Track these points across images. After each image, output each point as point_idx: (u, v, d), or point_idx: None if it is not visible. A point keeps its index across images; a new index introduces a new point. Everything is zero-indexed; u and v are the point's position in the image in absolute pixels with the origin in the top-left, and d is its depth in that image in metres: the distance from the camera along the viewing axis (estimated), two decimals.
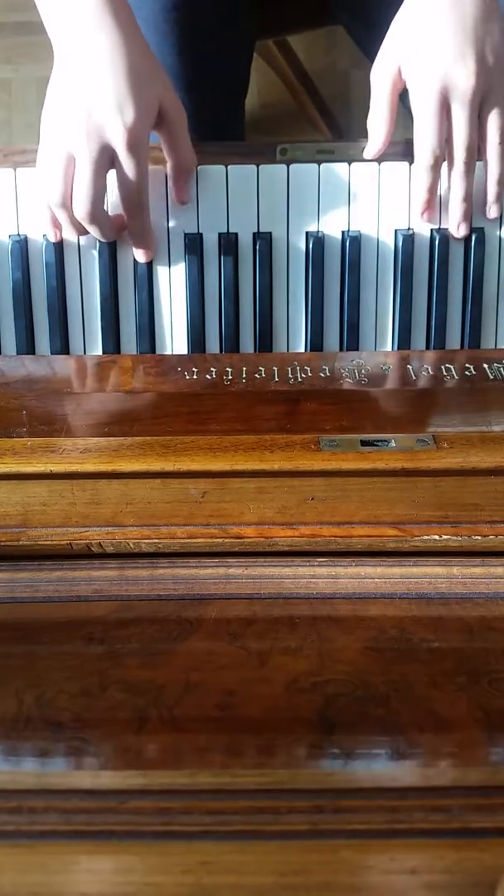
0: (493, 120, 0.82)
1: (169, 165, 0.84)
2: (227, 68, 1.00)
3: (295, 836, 0.44)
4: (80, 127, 0.77)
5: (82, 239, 0.86)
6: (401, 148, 0.85)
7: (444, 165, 0.84)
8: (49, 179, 0.80)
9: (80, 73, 0.78)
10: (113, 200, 0.84)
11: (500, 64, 0.81)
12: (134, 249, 0.85)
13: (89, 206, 0.80)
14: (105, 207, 0.82)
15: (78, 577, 0.62)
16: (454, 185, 0.84)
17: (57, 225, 0.84)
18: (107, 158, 0.79)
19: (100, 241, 0.84)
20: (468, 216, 0.85)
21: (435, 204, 0.85)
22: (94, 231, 0.82)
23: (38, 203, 0.84)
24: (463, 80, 0.80)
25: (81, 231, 0.83)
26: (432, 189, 0.84)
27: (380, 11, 0.82)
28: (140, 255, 0.85)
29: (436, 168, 0.83)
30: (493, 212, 0.85)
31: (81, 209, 0.80)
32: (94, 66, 0.77)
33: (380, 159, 0.85)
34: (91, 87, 0.77)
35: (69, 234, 0.84)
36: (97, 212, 0.81)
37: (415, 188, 0.85)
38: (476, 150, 0.83)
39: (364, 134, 0.86)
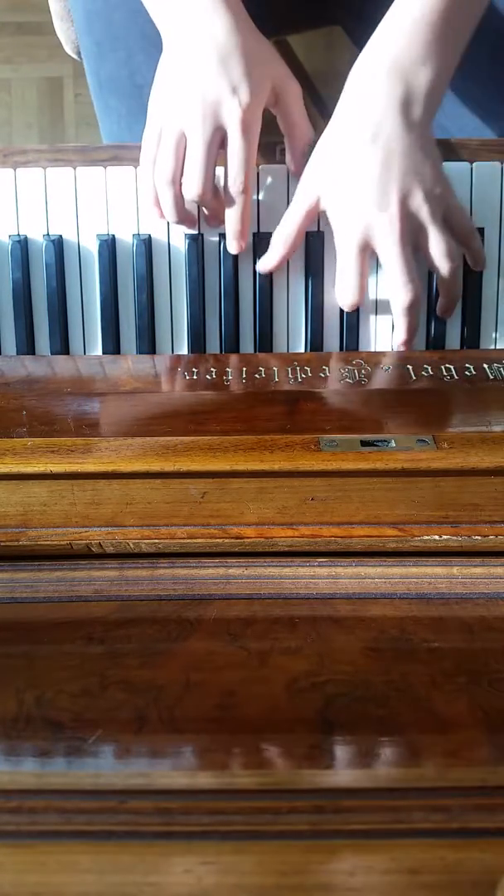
0: (433, 251, 0.80)
1: (287, 138, 0.84)
2: None
3: (295, 836, 0.44)
4: (195, 106, 0.78)
5: (82, 239, 0.86)
6: None
7: None
8: (160, 156, 0.81)
9: (194, 55, 0.79)
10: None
11: (431, 198, 0.79)
12: (228, 240, 0.84)
13: (201, 185, 0.80)
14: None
15: (78, 577, 0.62)
16: (396, 318, 0.82)
17: (158, 205, 0.84)
18: (219, 139, 0.80)
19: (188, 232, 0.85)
20: (412, 338, 0.83)
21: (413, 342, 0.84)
22: (208, 212, 0.83)
23: (143, 183, 0.84)
24: (386, 226, 0.78)
25: (181, 214, 0.83)
26: (413, 330, 0.82)
27: (378, 11, 0.82)
28: (234, 246, 0.84)
29: (414, 307, 0.81)
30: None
31: (193, 188, 0.80)
32: (209, 48, 0.78)
33: None
34: (206, 68, 0.78)
35: (170, 217, 0.84)
36: (207, 192, 0.81)
37: (397, 333, 0.83)
38: (416, 276, 0.81)
39: None
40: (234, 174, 0.81)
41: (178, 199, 0.82)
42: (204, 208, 0.84)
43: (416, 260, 0.81)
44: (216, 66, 0.78)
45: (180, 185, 0.81)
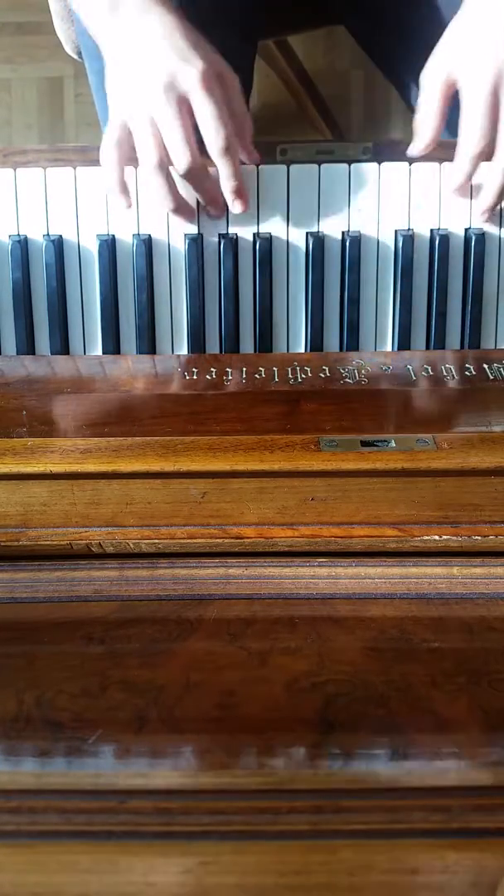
0: None
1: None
2: (231, 67, 1.00)
3: (295, 836, 0.44)
4: (153, 87, 0.78)
5: (82, 239, 0.86)
6: (401, 148, 0.85)
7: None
8: (140, 147, 0.81)
9: (139, 49, 0.79)
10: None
11: None
12: (229, 201, 0.84)
13: (188, 154, 0.80)
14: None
15: (78, 577, 0.62)
16: (492, 176, 0.83)
17: (124, 195, 0.84)
18: (187, 109, 0.79)
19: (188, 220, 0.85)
20: (494, 208, 0.84)
21: (467, 192, 0.85)
22: (195, 188, 0.82)
23: (107, 183, 0.83)
24: None
25: (177, 200, 0.83)
26: (469, 178, 0.83)
27: (381, 7, 0.82)
28: (236, 206, 0.84)
29: (479, 158, 0.82)
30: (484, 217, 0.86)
31: (183, 161, 0.80)
32: (152, 39, 0.79)
33: (380, 159, 0.85)
34: (153, 55, 0.79)
35: (167, 204, 0.83)
36: (197, 159, 0.80)
37: (453, 173, 0.84)
38: None
39: (364, 134, 0.86)
40: (212, 135, 0.80)
41: (171, 183, 0.82)
42: (199, 195, 0.84)
43: None
44: (162, 50, 0.79)
45: (168, 169, 0.81)
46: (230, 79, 0.82)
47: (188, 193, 0.84)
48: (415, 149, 0.85)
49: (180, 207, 0.84)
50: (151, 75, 0.79)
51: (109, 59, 0.82)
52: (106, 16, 0.81)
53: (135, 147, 0.81)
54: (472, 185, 0.85)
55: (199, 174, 0.82)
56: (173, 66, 0.79)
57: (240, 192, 0.83)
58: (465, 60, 0.81)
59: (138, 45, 0.80)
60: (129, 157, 0.82)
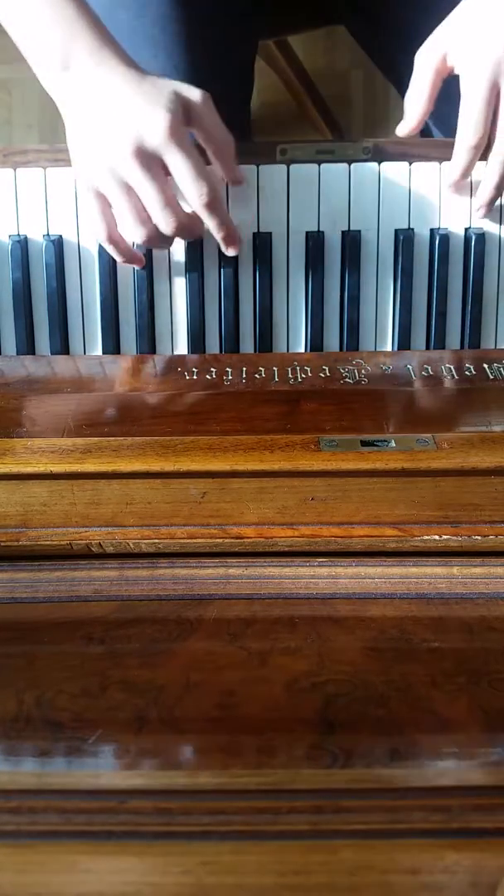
0: None
1: (210, 153, 0.83)
2: (232, 68, 1.00)
3: (295, 836, 0.44)
4: (122, 153, 0.77)
5: (82, 239, 0.86)
6: (401, 148, 0.85)
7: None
8: (119, 213, 0.80)
9: (96, 108, 0.77)
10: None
11: None
12: (222, 247, 0.84)
13: (173, 215, 0.79)
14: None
15: (78, 577, 0.62)
16: (490, 170, 0.83)
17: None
18: (159, 165, 0.78)
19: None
20: (492, 203, 0.84)
21: (465, 186, 0.85)
22: (192, 235, 0.82)
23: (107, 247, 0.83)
24: None
25: (172, 240, 0.83)
26: (467, 170, 0.83)
27: (382, 7, 0.82)
28: (230, 250, 0.84)
29: (476, 149, 0.81)
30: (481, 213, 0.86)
31: (169, 224, 0.79)
32: (108, 97, 0.77)
33: (380, 159, 0.85)
34: (114, 116, 0.77)
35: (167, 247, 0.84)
36: (182, 217, 0.79)
37: (450, 166, 0.84)
38: None
39: (364, 134, 0.86)
40: (193, 194, 0.79)
41: (157, 239, 0.81)
42: (187, 233, 0.82)
43: None
44: (121, 108, 0.77)
45: (151, 226, 0.80)
46: (200, 102, 0.79)
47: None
48: (403, 128, 0.84)
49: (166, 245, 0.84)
50: (117, 140, 0.77)
51: (67, 118, 0.80)
52: (59, 73, 0.79)
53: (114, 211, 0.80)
54: (471, 183, 0.85)
55: (189, 228, 0.81)
56: (137, 125, 0.76)
57: (230, 240, 0.83)
58: (463, 47, 0.81)
59: (96, 104, 0.78)
60: (113, 220, 0.81)
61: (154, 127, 0.76)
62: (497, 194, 0.84)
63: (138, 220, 0.79)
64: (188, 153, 0.77)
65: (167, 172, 0.79)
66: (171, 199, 0.78)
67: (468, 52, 0.80)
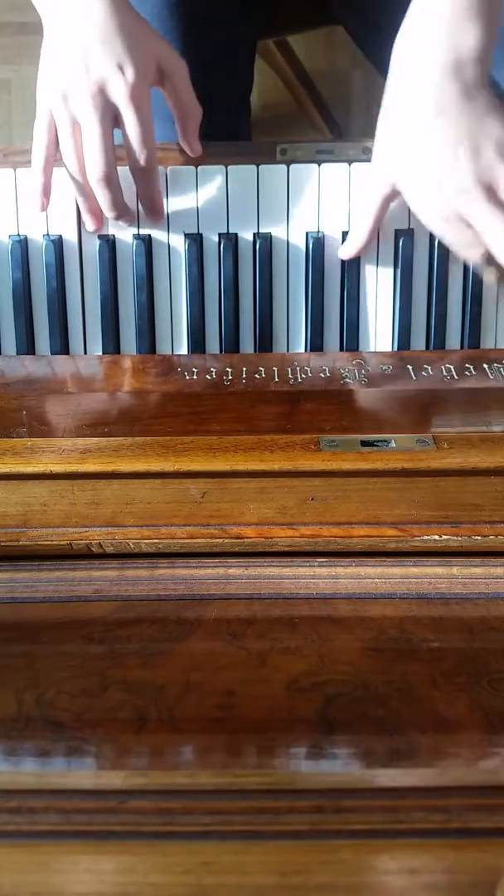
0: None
1: (176, 117, 0.84)
2: (231, 66, 1.00)
3: (295, 836, 0.44)
4: (82, 88, 0.78)
5: (82, 239, 0.86)
6: None
7: None
8: (64, 147, 0.80)
9: (74, 37, 0.78)
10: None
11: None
12: (145, 213, 0.84)
13: (103, 166, 0.79)
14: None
15: (78, 577, 0.62)
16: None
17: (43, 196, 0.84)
18: (111, 117, 0.79)
19: (106, 218, 0.84)
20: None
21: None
22: (104, 198, 0.81)
23: (32, 176, 0.83)
24: (469, 194, 0.76)
25: (91, 206, 0.83)
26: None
27: (379, 9, 0.82)
28: (152, 219, 0.84)
29: (476, 250, 0.79)
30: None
31: (96, 171, 0.80)
32: (88, 29, 0.78)
33: None
34: (87, 49, 0.78)
35: (83, 208, 0.84)
36: (111, 172, 0.80)
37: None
38: None
39: (363, 133, 0.86)
40: (133, 155, 0.80)
41: (86, 186, 0.81)
42: (102, 200, 0.82)
43: None
44: (99, 47, 0.78)
45: (82, 164, 0.80)
46: (175, 66, 0.81)
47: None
48: (348, 251, 0.84)
49: (93, 210, 0.83)
50: (81, 77, 0.78)
51: (47, 34, 0.81)
52: None
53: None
54: None
55: (113, 180, 0.81)
56: (104, 73, 0.77)
57: (154, 209, 0.84)
58: (410, 179, 0.79)
59: (75, 34, 0.78)
60: (56, 146, 0.82)
61: (119, 81, 0.77)
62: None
63: (73, 153, 0.80)
64: (142, 116, 0.79)
65: (118, 124, 0.80)
66: (107, 149, 0.79)
67: (414, 188, 0.79)
